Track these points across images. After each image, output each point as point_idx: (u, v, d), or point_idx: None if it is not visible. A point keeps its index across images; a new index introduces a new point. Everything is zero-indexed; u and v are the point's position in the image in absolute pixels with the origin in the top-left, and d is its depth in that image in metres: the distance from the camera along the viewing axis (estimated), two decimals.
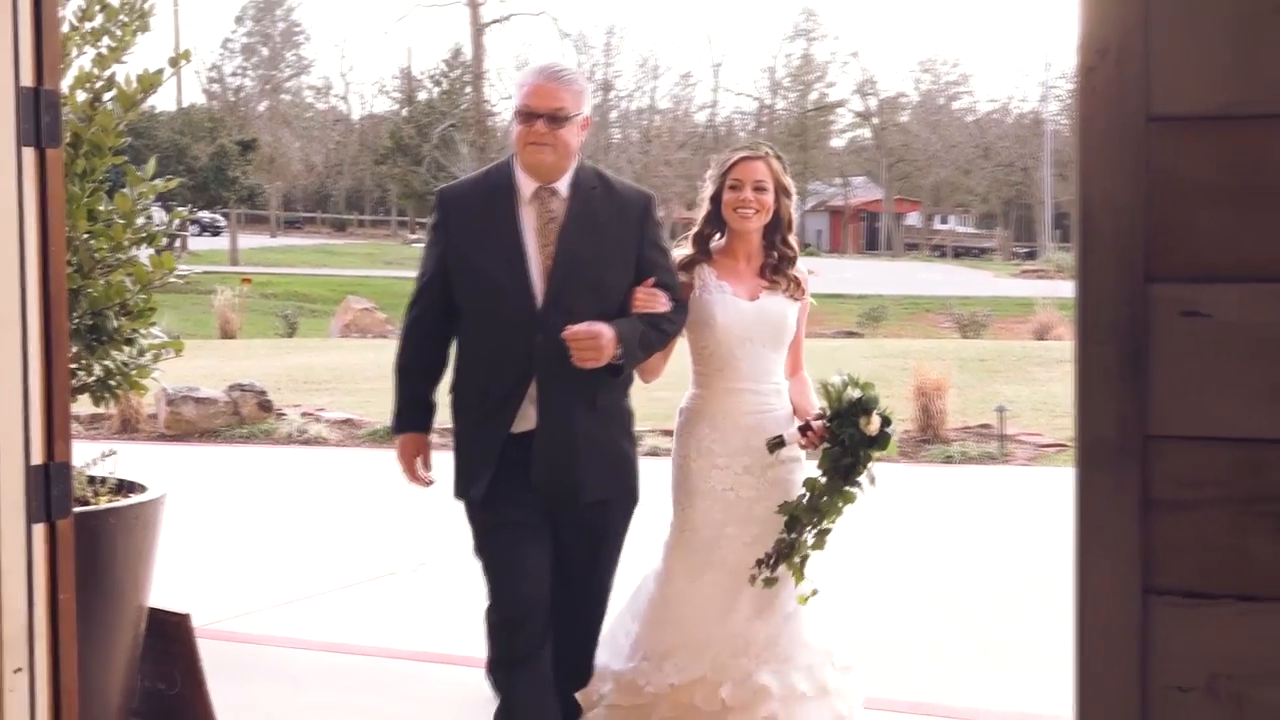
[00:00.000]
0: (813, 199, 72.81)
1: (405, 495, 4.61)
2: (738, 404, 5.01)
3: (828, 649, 5.01)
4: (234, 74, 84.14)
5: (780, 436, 4.88)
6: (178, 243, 39.76)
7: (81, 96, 5.34)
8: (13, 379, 3.43)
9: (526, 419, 4.68)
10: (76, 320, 5.19)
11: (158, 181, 5.51)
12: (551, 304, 4.63)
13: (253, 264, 50.08)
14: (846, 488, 4.79)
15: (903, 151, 77.59)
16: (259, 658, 6.88)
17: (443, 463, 4.86)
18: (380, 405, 14.01)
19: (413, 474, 4.95)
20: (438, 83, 76.62)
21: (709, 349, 5.03)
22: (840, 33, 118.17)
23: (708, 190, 5.18)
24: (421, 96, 77.30)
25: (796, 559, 4.78)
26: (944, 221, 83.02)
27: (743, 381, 5.01)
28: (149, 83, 5.44)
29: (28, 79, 3.43)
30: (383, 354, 4.60)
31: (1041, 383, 17.74)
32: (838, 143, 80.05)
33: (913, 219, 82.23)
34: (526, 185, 4.72)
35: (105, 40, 5.40)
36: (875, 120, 79.58)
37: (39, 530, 3.50)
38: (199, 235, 59.57)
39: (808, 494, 4.81)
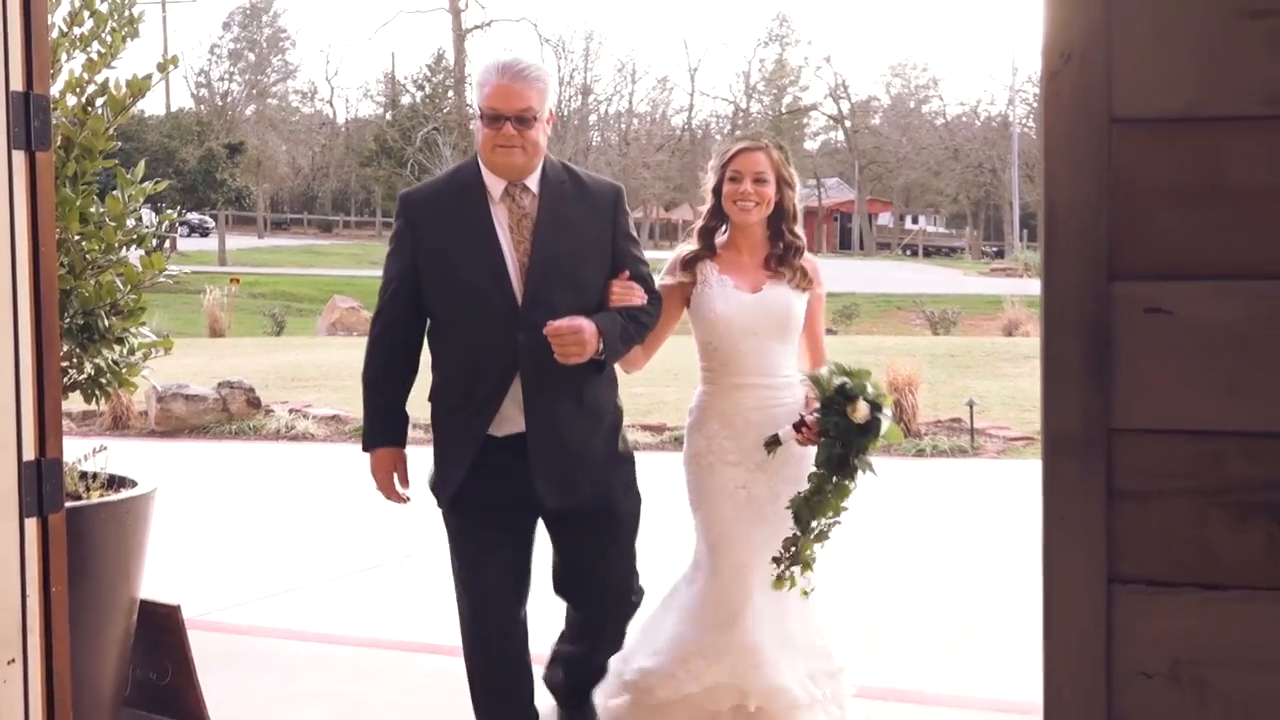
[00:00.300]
0: None
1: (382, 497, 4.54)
2: (747, 399, 4.82)
3: (828, 651, 4.91)
4: (221, 79, 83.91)
5: (775, 435, 4.71)
6: (167, 244, 39.64)
7: (72, 101, 5.32)
8: (5, 377, 3.42)
9: (511, 421, 4.53)
10: (68, 319, 5.17)
11: (147, 184, 5.49)
12: (531, 302, 4.46)
13: (241, 264, 49.97)
14: (841, 480, 4.56)
15: (874, 154, 77.74)
16: (248, 648, 6.87)
17: (419, 463, 4.77)
18: None
19: (389, 490, 4.74)
20: (421, 87, 76.56)
21: (712, 344, 4.86)
22: (813, 38, 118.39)
23: (709, 183, 4.97)
24: (405, 101, 77.23)
25: (804, 556, 4.59)
26: (915, 221, 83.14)
27: (750, 376, 4.83)
28: (138, 88, 5.43)
29: (18, 84, 3.42)
30: (364, 353, 4.54)
31: (1010, 378, 17.77)
32: (811, 145, 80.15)
33: (884, 219, 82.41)
34: (495, 184, 4.54)
35: (95, 46, 5.38)
36: (848, 123, 79.71)
37: (31, 524, 3.50)
38: (188, 236, 59.52)
39: (807, 490, 4.60)
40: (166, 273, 5.51)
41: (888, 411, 4.59)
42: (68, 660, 3.63)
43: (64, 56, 5.32)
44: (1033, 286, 24.55)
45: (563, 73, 75.40)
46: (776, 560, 4.59)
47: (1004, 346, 22.35)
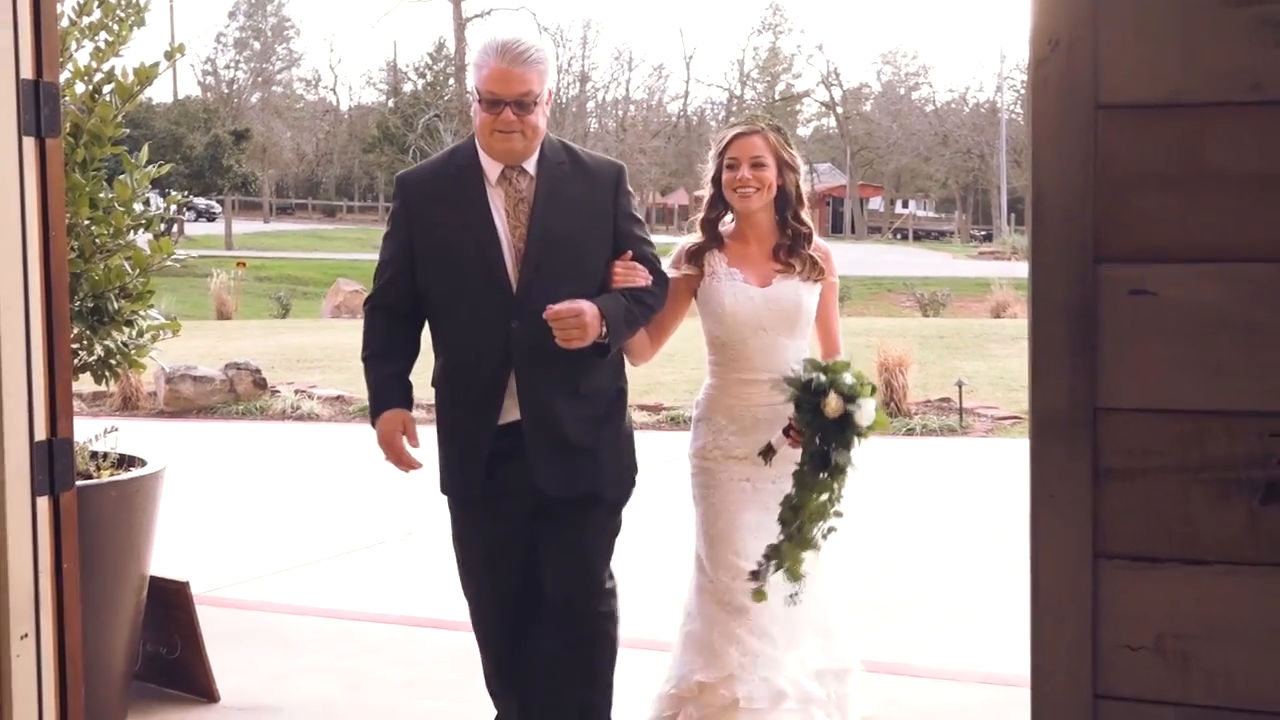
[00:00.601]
0: None
1: (393, 468, 4.41)
2: (755, 395, 4.56)
3: (833, 650, 4.72)
4: (227, 67, 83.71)
5: (770, 444, 4.41)
6: (175, 228, 39.66)
7: (81, 89, 5.32)
8: (17, 359, 3.41)
9: (509, 410, 4.24)
10: (78, 302, 5.17)
11: (151, 168, 5.49)
12: (526, 288, 4.17)
13: (247, 248, 49.93)
14: (822, 476, 4.26)
15: (866, 140, 77.63)
16: (255, 623, 6.87)
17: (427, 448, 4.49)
18: None
19: (399, 452, 4.30)
20: (422, 75, 76.41)
21: (720, 338, 4.61)
22: (806, 26, 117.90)
23: (708, 172, 4.69)
24: (407, 88, 77.07)
25: (788, 560, 4.29)
26: (905, 206, 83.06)
27: (758, 372, 4.56)
28: (146, 75, 5.42)
29: (28, 71, 3.41)
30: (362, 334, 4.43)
31: (998, 359, 17.77)
32: (804, 131, 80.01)
33: (875, 204, 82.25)
34: (492, 167, 4.24)
35: (103, 35, 5.38)
36: (839, 110, 79.62)
37: (43, 503, 3.49)
38: (195, 221, 59.39)
39: (793, 490, 4.32)
40: (174, 257, 5.52)
41: (867, 401, 4.27)
42: (79, 635, 3.63)
43: (73, 45, 5.31)
44: (1020, 269, 24.52)
45: (561, 60, 75.17)
46: (754, 574, 4.32)
47: (992, 328, 22.34)
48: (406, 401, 4.38)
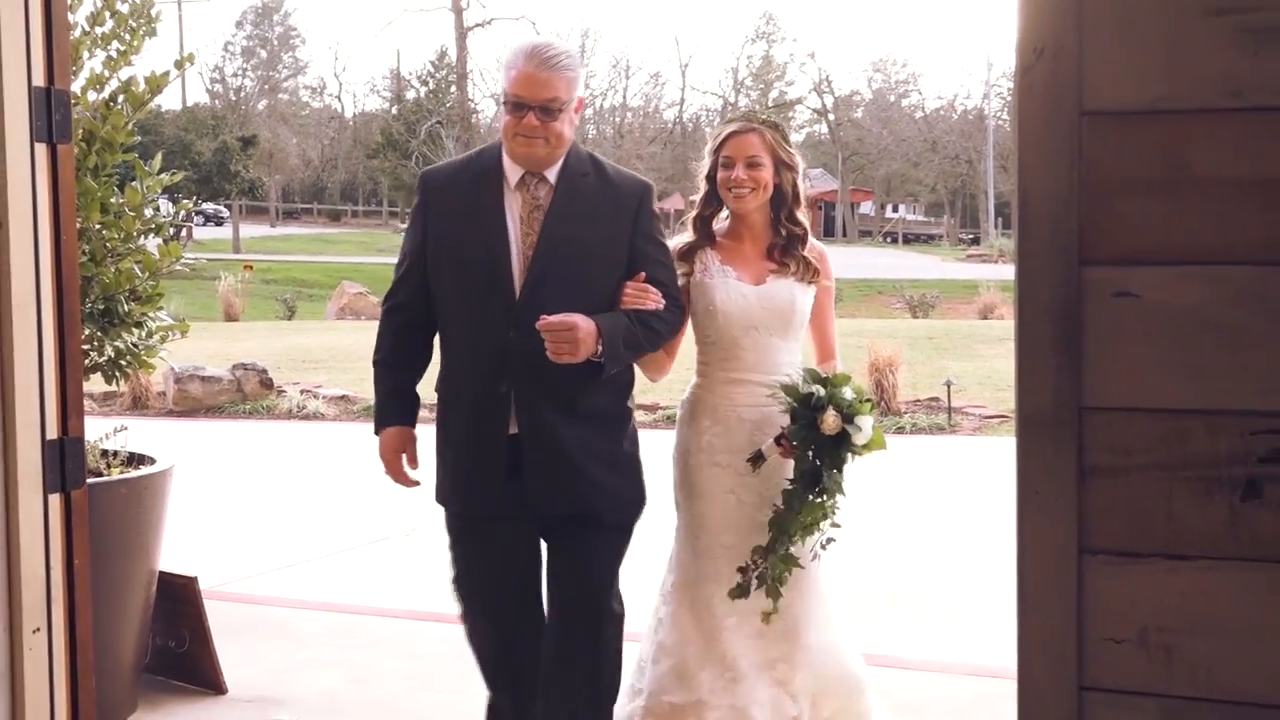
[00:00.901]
0: None
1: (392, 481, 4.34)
2: (741, 395, 4.31)
3: (843, 676, 4.43)
4: (235, 75, 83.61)
5: (759, 451, 4.17)
6: (184, 233, 39.63)
7: (94, 97, 5.32)
8: (29, 359, 3.41)
9: (508, 423, 4.01)
10: (89, 305, 5.17)
11: (164, 175, 5.49)
12: (529, 297, 3.93)
13: (254, 252, 49.81)
14: (812, 498, 4.05)
15: (857, 145, 77.62)
16: (262, 617, 6.86)
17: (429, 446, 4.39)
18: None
19: (397, 472, 4.21)
20: (425, 82, 76.27)
21: (710, 337, 4.36)
22: (798, 35, 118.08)
23: (703, 168, 4.43)
24: (410, 95, 76.94)
25: (772, 574, 4.08)
26: (895, 210, 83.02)
27: (746, 372, 4.31)
28: (156, 84, 5.42)
29: (40, 79, 3.41)
30: (375, 335, 4.35)
31: (986, 359, 17.77)
32: (796, 137, 78.60)
33: (866, 208, 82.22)
34: (514, 172, 4.03)
35: (115, 44, 5.39)
36: (831, 116, 79.62)
37: (55, 500, 3.49)
38: (204, 225, 59.28)
39: (782, 507, 4.10)
40: (183, 260, 5.52)
41: (866, 420, 4.04)
42: (90, 629, 3.63)
43: (86, 54, 5.32)
44: (1007, 272, 24.52)
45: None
46: (742, 570, 4.12)
47: (980, 329, 22.36)
48: (408, 417, 4.23)
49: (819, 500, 4.07)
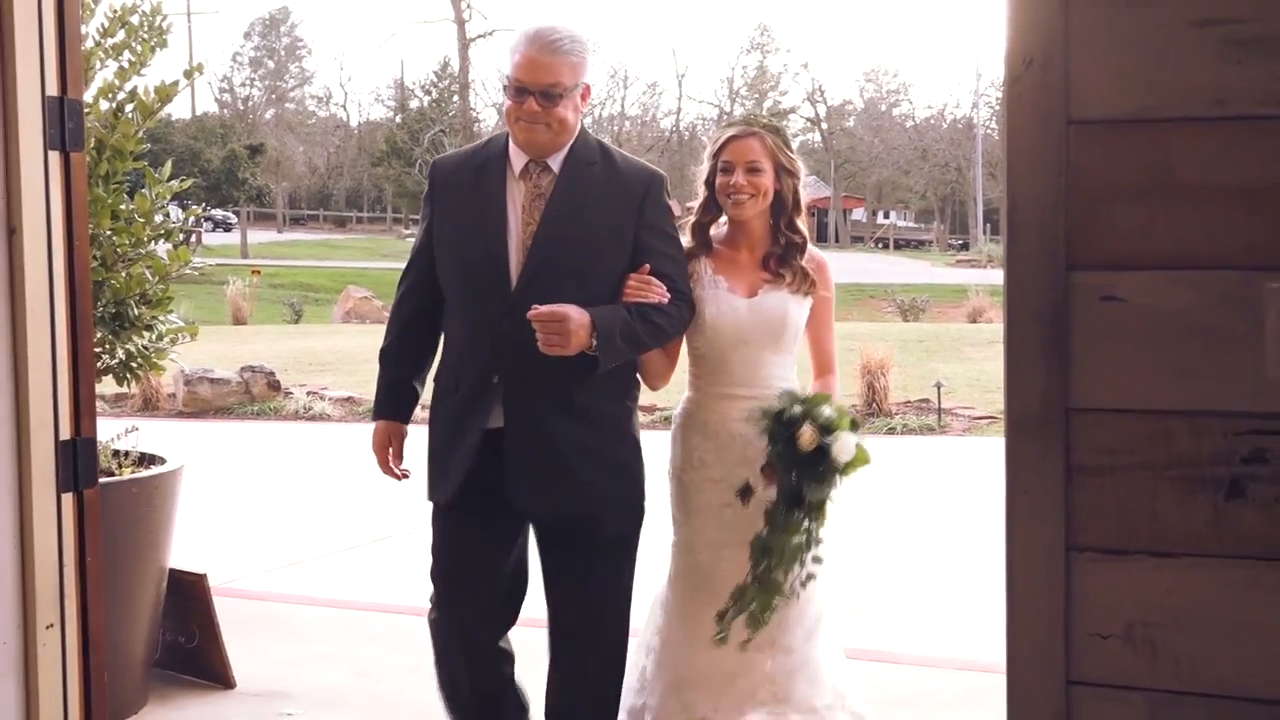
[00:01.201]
0: None
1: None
2: (733, 410, 4.06)
3: (840, 690, 4.21)
4: (243, 84, 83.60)
5: (746, 483, 3.90)
6: (193, 238, 39.59)
7: (105, 106, 5.32)
8: (42, 362, 3.41)
9: (495, 417, 3.82)
10: (101, 308, 5.17)
11: (174, 183, 5.49)
12: (525, 287, 3.72)
13: (261, 257, 49.80)
14: (796, 514, 3.78)
15: (849, 153, 77.67)
16: (270, 613, 6.86)
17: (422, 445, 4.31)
18: None
19: (384, 465, 4.18)
20: (428, 92, 76.25)
21: (700, 350, 4.12)
22: (792, 46, 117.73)
23: (701, 173, 4.17)
24: (413, 105, 76.92)
25: (752, 607, 3.81)
26: (886, 217, 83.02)
27: (738, 387, 4.08)
28: (166, 93, 5.42)
29: (53, 89, 3.41)
30: (380, 338, 4.28)
31: (975, 361, 17.77)
32: None
33: (858, 214, 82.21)
34: (519, 159, 3.83)
35: (126, 55, 5.38)
36: (824, 125, 79.63)
37: (68, 499, 3.49)
38: (212, 231, 59.27)
39: (764, 529, 3.83)
40: (192, 265, 5.51)
41: (846, 435, 3.75)
42: (102, 625, 3.62)
43: (98, 65, 5.32)
44: (996, 276, 24.52)
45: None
46: (720, 614, 3.84)
47: (969, 332, 22.35)
48: (399, 412, 4.12)
49: (801, 519, 3.80)
